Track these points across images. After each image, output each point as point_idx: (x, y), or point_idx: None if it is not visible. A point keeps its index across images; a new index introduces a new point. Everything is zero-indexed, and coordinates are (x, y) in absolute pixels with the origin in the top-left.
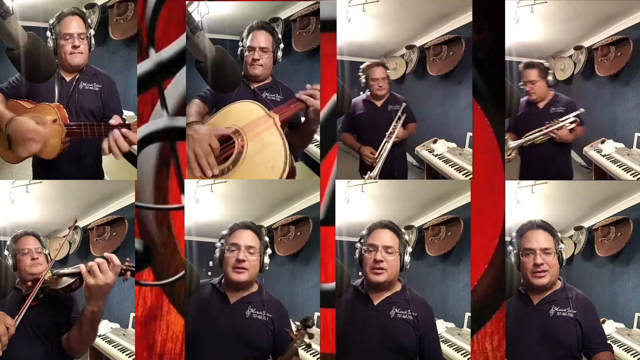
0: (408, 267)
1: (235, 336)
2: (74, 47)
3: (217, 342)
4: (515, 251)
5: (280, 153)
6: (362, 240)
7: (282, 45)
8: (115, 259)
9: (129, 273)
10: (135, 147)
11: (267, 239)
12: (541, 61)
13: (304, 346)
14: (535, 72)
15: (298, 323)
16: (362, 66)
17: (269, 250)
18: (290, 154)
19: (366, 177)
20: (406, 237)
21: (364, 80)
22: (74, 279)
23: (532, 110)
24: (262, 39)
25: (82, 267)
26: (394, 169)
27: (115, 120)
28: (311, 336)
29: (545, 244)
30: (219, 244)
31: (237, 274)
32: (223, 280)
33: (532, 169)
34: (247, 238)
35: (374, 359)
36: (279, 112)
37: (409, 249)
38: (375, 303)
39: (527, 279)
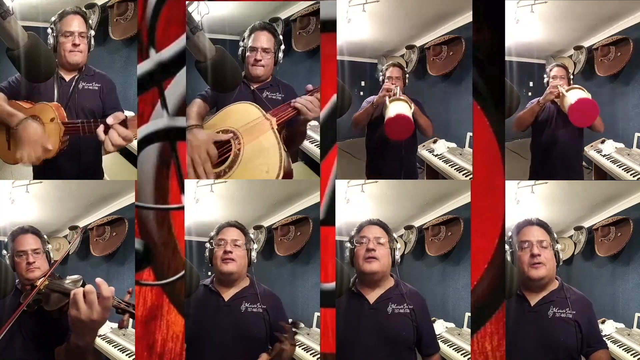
0: (399, 262)
1: (234, 332)
2: (74, 45)
3: (217, 341)
4: (511, 250)
5: (275, 157)
6: (352, 240)
7: (283, 46)
8: (105, 288)
9: (127, 316)
10: (132, 144)
11: (252, 235)
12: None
13: (286, 350)
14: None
15: (289, 328)
16: (383, 67)
17: (255, 246)
18: (288, 158)
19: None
20: (394, 234)
21: (381, 78)
22: (67, 301)
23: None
24: (265, 39)
25: (76, 290)
26: (401, 169)
27: (110, 119)
28: (295, 335)
29: (541, 237)
30: (207, 244)
31: (226, 265)
32: (214, 278)
33: (545, 168)
34: (232, 234)
35: (374, 356)
36: (276, 115)
37: (399, 245)
38: (372, 302)
39: (524, 272)
